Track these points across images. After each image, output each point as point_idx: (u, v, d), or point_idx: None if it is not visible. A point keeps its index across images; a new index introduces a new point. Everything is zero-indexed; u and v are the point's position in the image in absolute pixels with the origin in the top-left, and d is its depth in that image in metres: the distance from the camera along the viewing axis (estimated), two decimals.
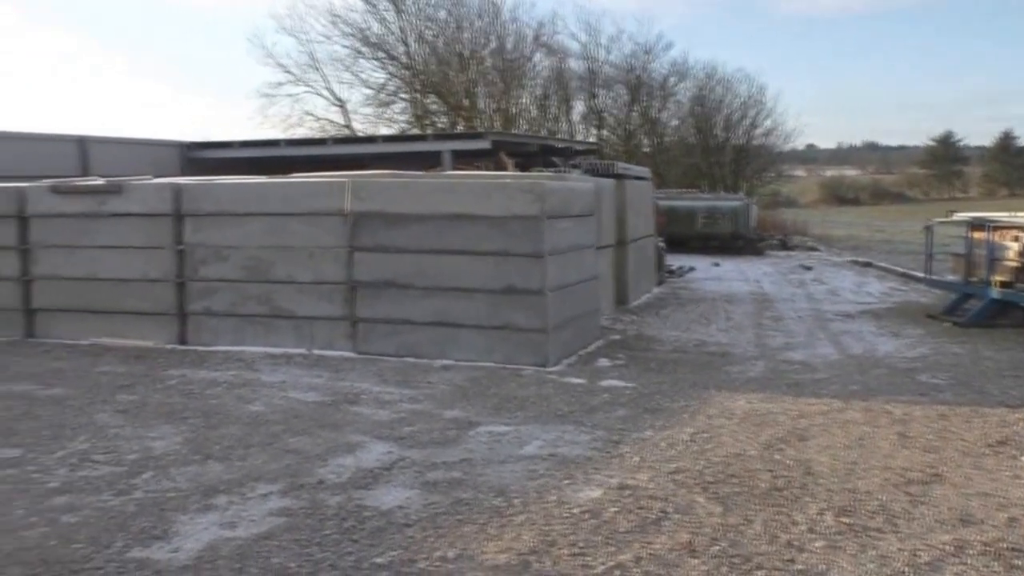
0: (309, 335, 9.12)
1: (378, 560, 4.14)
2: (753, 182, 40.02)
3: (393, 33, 33.50)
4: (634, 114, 37.98)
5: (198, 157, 17.56)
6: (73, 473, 5.41)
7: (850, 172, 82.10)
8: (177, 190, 9.64)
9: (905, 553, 4.20)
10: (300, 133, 32.24)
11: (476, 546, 4.29)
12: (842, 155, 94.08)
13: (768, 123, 40.53)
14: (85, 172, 14.50)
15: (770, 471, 5.38)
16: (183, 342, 9.55)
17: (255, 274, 9.31)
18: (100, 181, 10.30)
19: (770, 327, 11.42)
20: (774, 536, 4.40)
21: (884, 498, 4.94)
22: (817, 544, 4.31)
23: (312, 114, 34.15)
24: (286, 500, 4.92)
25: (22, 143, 14.64)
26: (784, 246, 26.27)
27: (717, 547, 4.26)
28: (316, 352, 8.99)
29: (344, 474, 5.35)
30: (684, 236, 23.20)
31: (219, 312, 9.46)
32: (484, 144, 15.12)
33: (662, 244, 16.89)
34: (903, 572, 4.02)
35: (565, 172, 12.55)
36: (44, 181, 10.43)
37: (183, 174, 15.26)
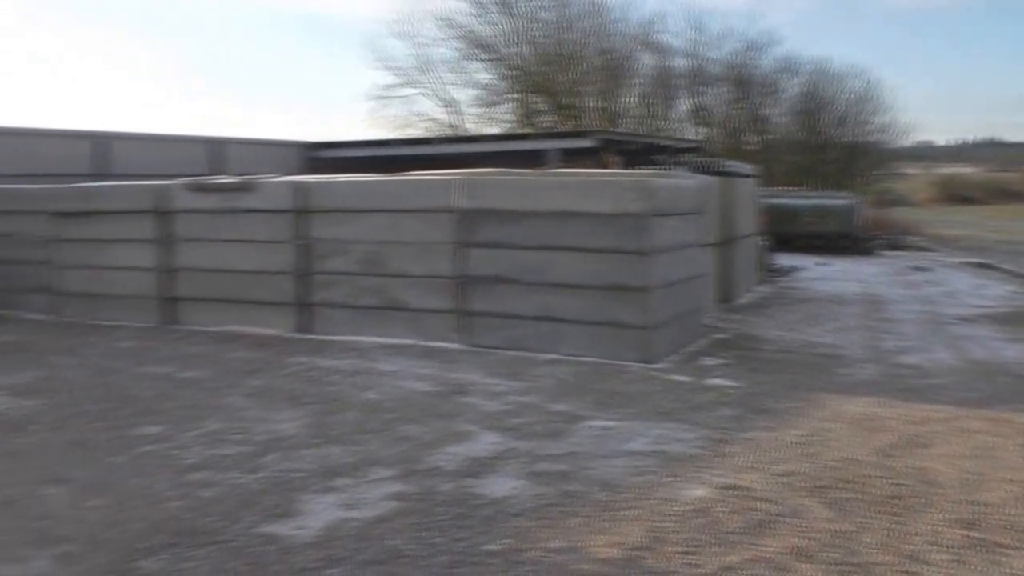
0: (421, 327, 9.43)
1: (489, 547, 4.31)
2: (863, 180, 38.67)
3: (502, 35, 34.00)
4: (739, 111, 37.26)
5: (317, 156, 18.34)
6: (208, 451, 5.80)
7: (967, 170, 78.26)
8: (300, 187, 10.10)
9: None
10: (411, 133, 33.03)
11: (584, 539, 4.40)
12: (959, 152, 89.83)
13: (880, 119, 39.10)
14: (217, 171, 15.37)
15: (885, 478, 5.25)
16: (304, 331, 10.02)
17: (371, 267, 9.68)
18: (231, 179, 10.90)
19: (881, 329, 11.12)
20: (892, 546, 4.30)
21: (1012, 512, 4.74)
22: (940, 557, 4.18)
23: (423, 115, 35.00)
24: (401, 485, 5.16)
25: (163, 144, 15.66)
26: (894, 246, 25.35)
27: (830, 554, 4.20)
28: (427, 344, 9.29)
29: (455, 462, 5.56)
30: (789, 235, 22.67)
31: (337, 303, 9.88)
32: (588, 143, 15.21)
33: (765, 242, 16.61)
34: None
35: (670, 170, 12.52)
36: (182, 179, 11.13)
37: (303, 172, 16.00)
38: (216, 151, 16.51)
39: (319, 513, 4.74)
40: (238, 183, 10.53)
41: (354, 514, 4.73)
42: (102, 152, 14.57)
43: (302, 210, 10.03)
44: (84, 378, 7.96)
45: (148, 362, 8.65)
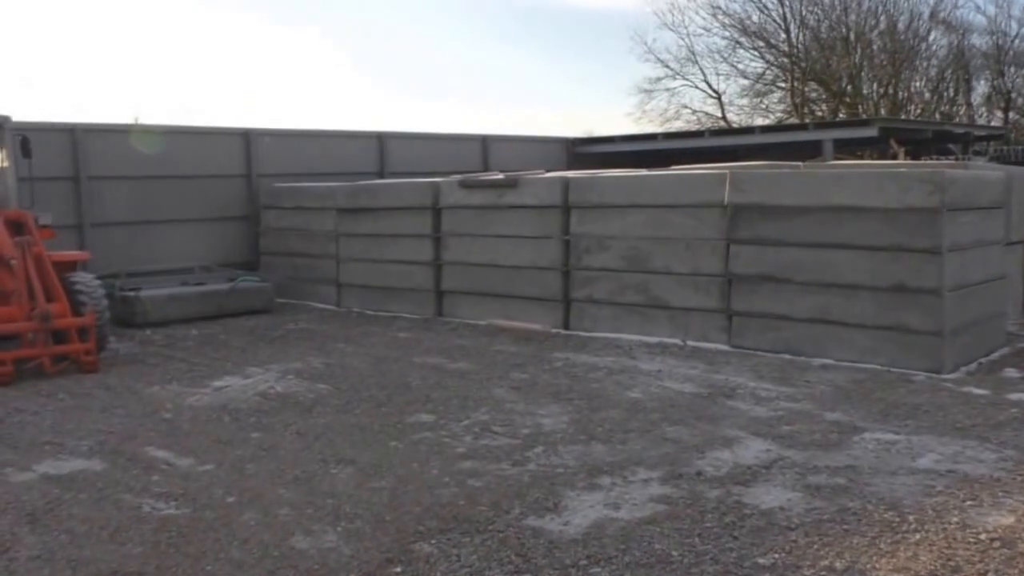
0: (684, 326, 9.22)
1: (761, 560, 4.08)
2: None
3: (774, 20, 32.59)
4: None
5: (582, 152, 18.59)
6: (476, 441, 6.01)
7: None
8: (565, 183, 10.24)
9: None
10: (676, 126, 32.71)
11: (866, 560, 4.04)
12: None
13: None
14: (485, 167, 16.05)
15: None
16: (566, 327, 10.15)
17: (634, 264, 9.61)
18: (499, 176, 11.28)
19: None
20: None
21: None
22: None
23: (688, 107, 34.49)
24: (666, 488, 5.03)
25: (433, 142, 16.65)
26: None
27: None
28: (690, 343, 9.06)
29: (722, 468, 5.34)
30: None
31: (599, 300, 9.91)
32: (870, 132, 14.11)
33: None
34: None
35: (966, 160, 11.28)
36: (453, 176, 11.69)
37: (569, 168, 16.29)
38: (484, 148, 17.23)
39: (584, 510, 4.73)
40: (505, 179, 10.86)
41: (619, 514, 4.67)
42: (381, 150, 15.69)
43: (566, 206, 10.15)
44: (365, 365, 8.57)
45: (422, 352, 9.16)
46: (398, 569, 4.09)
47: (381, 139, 15.82)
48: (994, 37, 32.83)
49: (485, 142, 17.39)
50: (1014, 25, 32.81)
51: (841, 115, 28.81)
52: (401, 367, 8.43)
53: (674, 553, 4.18)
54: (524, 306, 10.52)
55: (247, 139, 14.13)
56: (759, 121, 31.63)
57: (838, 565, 4.01)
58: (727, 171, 9.10)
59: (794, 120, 29.37)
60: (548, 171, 11.87)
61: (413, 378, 7.93)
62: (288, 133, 14.96)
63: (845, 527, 4.42)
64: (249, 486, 5.24)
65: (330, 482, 5.28)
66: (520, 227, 10.56)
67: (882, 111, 29.22)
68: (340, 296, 12.65)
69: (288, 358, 8.96)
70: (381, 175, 15.25)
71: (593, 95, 54.03)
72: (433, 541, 4.38)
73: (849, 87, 31.53)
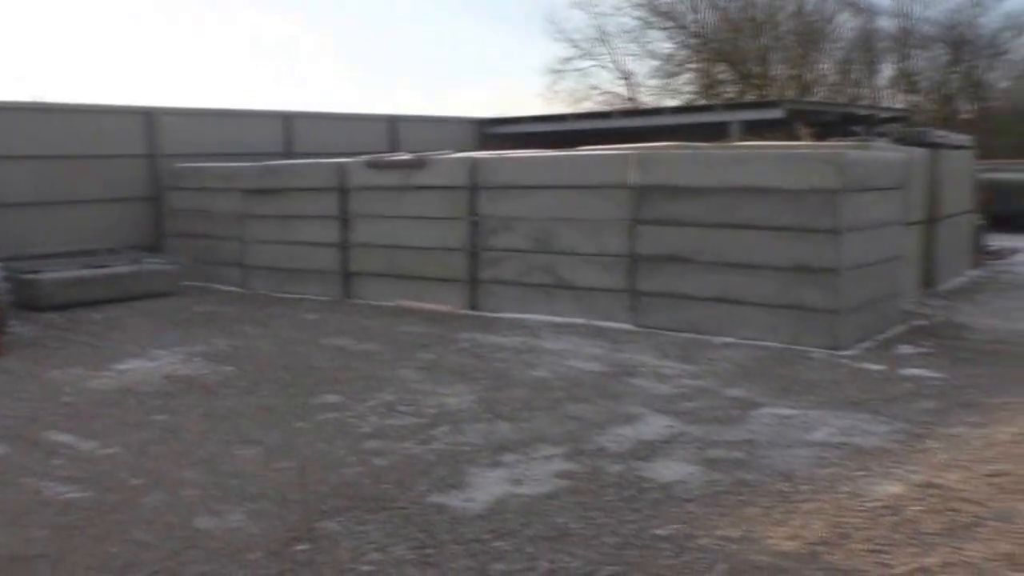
0: (590, 306, 9.29)
1: (659, 532, 4.14)
2: None
3: (684, 1, 32.99)
4: (954, 76, 34.18)
5: (493, 133, 18.51)
6: (382, 421, 5.95)
7: None
8: (472, 164, 10.18)
9: None
10: (587, 107, 32.81)
11: (760, 529, 4.14)
12: None
13: None
14: (394, 148, 15.85)
15: None
16: (473, 308, 10.13)
17: (540, 245, 9.62)
18: (407, 156, 11.16)
19: None
20: None
21: None
22: None
23: (598, 88, 34.69)
24: (569, 464, 5.06)
25: (341, 123, 16.36)
26: None
27: None
28: (596, 323, 9.13)
29: (624, 444, 5.40)
30: (1012, 214, 20.55)
31: (506, 280, 9.91)
32: (777, 113, 14.47)
33: (981, 222, 15.17)
34: None
35: (869, 141, 11.64)
36: (361, 157, 11.51)
37: (479, 148, 16.19)
38: (393, 129, 17.03)
39: (488, 487, 4.73)
40: (412, 159, 10.75)
41: (522, 489, 4.69)
42: (288, 131, 15.36)
43: (474, 186, 10.10)
44: (271, 347, 8.40)
45: (328, 334, 9.01)
46: (303, 547, 4.05)
47: (288, 119, 15.47)
48: (899, 20, 34.00)
49: (395, 123, 17.20)
50: (919, 7, 34.06)
51: (750, 96, 29.40)
52: (307, 349, 8.29)
53: (575, 526, 4.20)
54: (432, 287, 10.44)
55: (149, 118, 13.66)
56: (669, 102, 31.98)
57: (733, 534, 4.09)
58: (633, 152, 9.18)
59: (703, 101, 29.86)
60: (458, 152, 11.78)
61: (319, 360, 7.80)
62: (193, 112, 14.52)
63: (741, 498, 4.52)
64: (154, 468, 5.13)
65: (235, 463, 5.18)
66: (428, 208, 10.47)
67: (790, 93, 29.97)
68: (246, 278, 12.37)
69: (194, 340, 8.73)
70: (289, 156, 14.90)
71: (509, 75, 53.92)
72: (338, 519, 4.35)
73: (758, 69, 32.21)
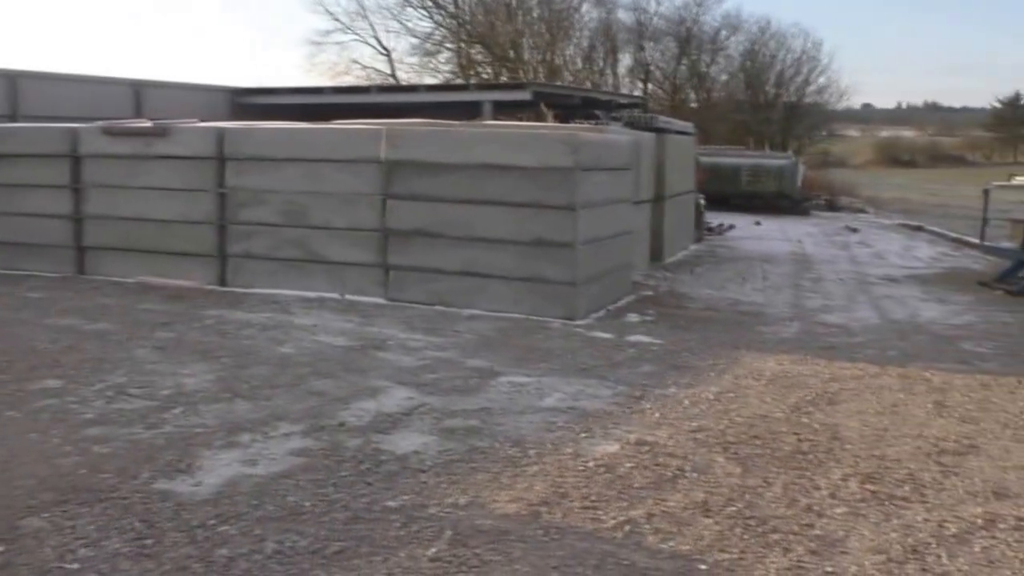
0: (342, 281, 9.24)
1: (390, 503, 4.23)
2: (803, 141, 39.17)
3: None
4: (682, 68, 37.26)
5: (247, 103, 17.72)
6: (108, 405, 5.59)
7: (908, 133, 79.58)
8: (220, 134, 9.74)
9: (931, 524, 4.12)
10: (347, 81, 32.40)
11: (488, 494, 4.35)
12: (900, 116, 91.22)
13: (822, 80, 39.55)
14: (139, 115, 14.73)
15: (795, 434, 5.32)
16: (222, 283, 9.74)
17: (292, 219, 9.42)
18: (148, 123, 10.45)
19: (808, 288, 11.28)
20: (793, 500, 4.36)
21: (914, 467, 4.84)
22: (838, 510, 4.25)
23: (359, 62, 34.38)
24: (307, 441, 5.04)
25: (79, 85, 14.92)
26: (831, 207, 25.80)
27: (732, 508, 4.24)
28: (348, 297, 9.11)
29: (365, 418, 5.45)
30: (727, 194, 22.85)
31: (257, 255, 9.61)
32: (525, 95, 15.02)
33: (703, 201, 16.70)
34: (927, 543, 3.93)
35: (604, 125, 12.42)
36: (96, 123, 10.62)
37: (233, 119, 15.42)
38: (137, 95, 15.83)
39: (219, 469, 4.60)
40: (153, 128, 10.11)
41: (255, 470, 4.60)
42: (12, 92, 13.82)
43: (222, 157, 9.68)
44: None
45: (56, 313, 8.32)
46: (0, 548, 3.71)
47: (13, 79, 13.91)
48: (636, 13, 36.44)
49: (138, 87, 15.98)
50: (652, 3, 36.64)
51: (503, 78, 30.33)
52: (28, 329, 7.59)
53: (307, 504, 4.20)
54: (177, 262, 9.91)
55: None
56: (428, 80, 32.33)
57: (462, 501, 4.28)
58: (383, 127, 9.20)
59: (461, 81, 30.41)
60: (207, 121, 11.20)
61: (41, 341, 7.18)
62: None
63: (472, 465, 4.73)
64: None
65: None
66: (172, 179, 9.90)
67: (540, 76, 31.22)
68: None
69: None
70: (14, 119, 13.43)
71: (267, 44, 51.87)
72: (45, 515, 4.03)
73: (511, 52, 33.26)
